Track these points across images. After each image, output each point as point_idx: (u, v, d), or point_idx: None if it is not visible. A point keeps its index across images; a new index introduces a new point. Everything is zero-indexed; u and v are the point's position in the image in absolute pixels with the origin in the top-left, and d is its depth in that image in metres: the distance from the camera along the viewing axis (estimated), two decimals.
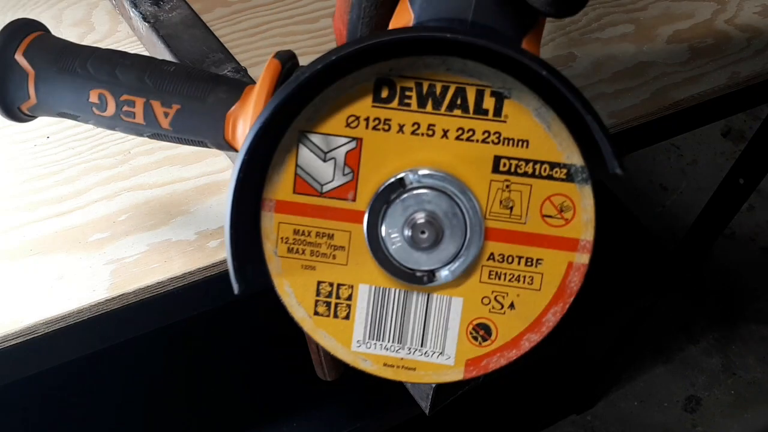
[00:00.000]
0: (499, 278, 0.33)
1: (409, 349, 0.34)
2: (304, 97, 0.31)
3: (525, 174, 0.32)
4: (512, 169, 0.31)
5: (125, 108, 0.37)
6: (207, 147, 0.38)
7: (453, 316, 0.33)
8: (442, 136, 0.31)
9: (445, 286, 0.33)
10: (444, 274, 0.32)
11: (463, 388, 0.44)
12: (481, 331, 0.33)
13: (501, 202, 0.32)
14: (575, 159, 0.31)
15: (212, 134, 0.36)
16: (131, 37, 0.68)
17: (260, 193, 0.32)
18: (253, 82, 0.57)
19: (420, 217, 0.31)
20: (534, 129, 0.31)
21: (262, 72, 0.35)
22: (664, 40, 0.72)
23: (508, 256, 0.32)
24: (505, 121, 0.31)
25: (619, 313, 1.23)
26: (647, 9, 0.75)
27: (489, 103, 0.31)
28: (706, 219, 1.13)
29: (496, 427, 1.45)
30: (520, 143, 0.31)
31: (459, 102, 0.31)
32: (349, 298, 0.33)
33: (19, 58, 0.37)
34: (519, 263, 0.33)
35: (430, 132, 0.31)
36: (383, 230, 0.32)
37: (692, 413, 1.59)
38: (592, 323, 1.18)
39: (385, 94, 0.31)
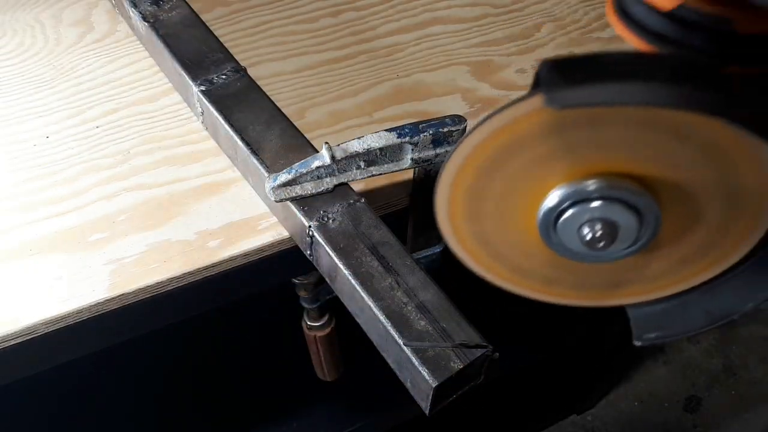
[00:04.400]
0: None
1: None
2: None
3: None
4: None
5: None
6: None
7: None
8: None
9: None
10: None
11: (462, 388, 0.44)
12: None
13: None
14: None
15: None
16: (131, 37, 0.68)
17: None
18: (254, 82, 0.57)
19: None
20: None
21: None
22: None
23: None
24: None
25: (620, 313, 1.23)
26: None
27: None
28: None
29: (496, 427, 1.44)
30: None
31: None
32: None
33: None
34: None
35: None
36: None
37: (693, 413, 1.59)
38: (592, 323, 1.18)
39: None
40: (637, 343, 0.40)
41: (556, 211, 0.34)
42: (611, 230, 0.33)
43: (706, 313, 0.39)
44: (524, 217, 0.35)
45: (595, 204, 0.33)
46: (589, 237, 0.33)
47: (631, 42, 0.34)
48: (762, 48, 0.32)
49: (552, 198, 0.34)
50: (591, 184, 0.33)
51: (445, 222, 0.36)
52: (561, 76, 0.28)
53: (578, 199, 0.33)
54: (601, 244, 0.33)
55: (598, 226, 0.33)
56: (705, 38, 0.32)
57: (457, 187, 0.34)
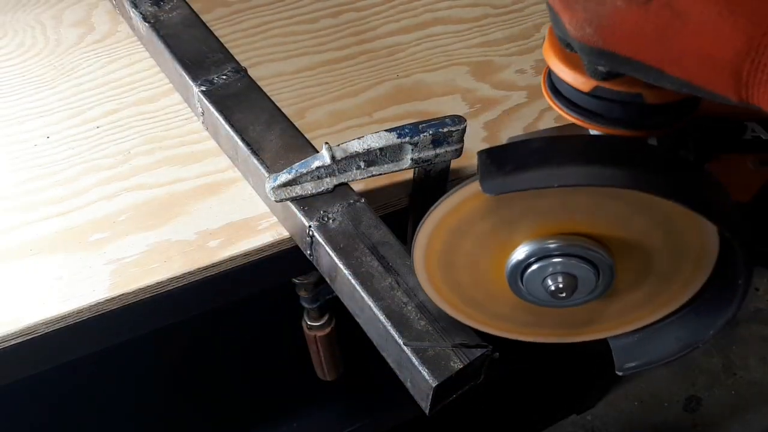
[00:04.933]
0: None
1: None
2: None
3: None
4: None
5: None
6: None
7: None
8: None
9: None
10: None
11: (462, 388, 0.44)
12: None
13: None
14: None
15: None
16: (131, 38, 0.68)
17: None
18: (254, 82, 0.57)
19: None
20: None
21: None
22: None
23: None
24: None
25: None
26: None
27: None
28: None
29: (496, 427, 1.44)
30: None
31: None
32: None
33: None
34: None
35: None
36: None
37: (692, 413, 1.59)
38: None
39: None
40: (619, 374, 0.44)
41: (522, 266, 0.38)
42: (572, 282, 0.37)
43: (677, 340, 0.42)
44: (494, 270, 0.39)
45: (557, 259, 0.37)
46: (552, 288, 0.37)
47: (562, 114, 0.39)
48: (667, 114, 0.37)
49: (518, 254, 0.38)
50: (552, 242, 0.37)
51: (427, 285, 0.41)
52: (494, 166, 0.34)
53: (541, 255, 0.37)
54: (563, 294, 0.37)
55: (560, 279, 0.37)
56: (621, 110, 0.37)
57: (430, 258, 0.39)
